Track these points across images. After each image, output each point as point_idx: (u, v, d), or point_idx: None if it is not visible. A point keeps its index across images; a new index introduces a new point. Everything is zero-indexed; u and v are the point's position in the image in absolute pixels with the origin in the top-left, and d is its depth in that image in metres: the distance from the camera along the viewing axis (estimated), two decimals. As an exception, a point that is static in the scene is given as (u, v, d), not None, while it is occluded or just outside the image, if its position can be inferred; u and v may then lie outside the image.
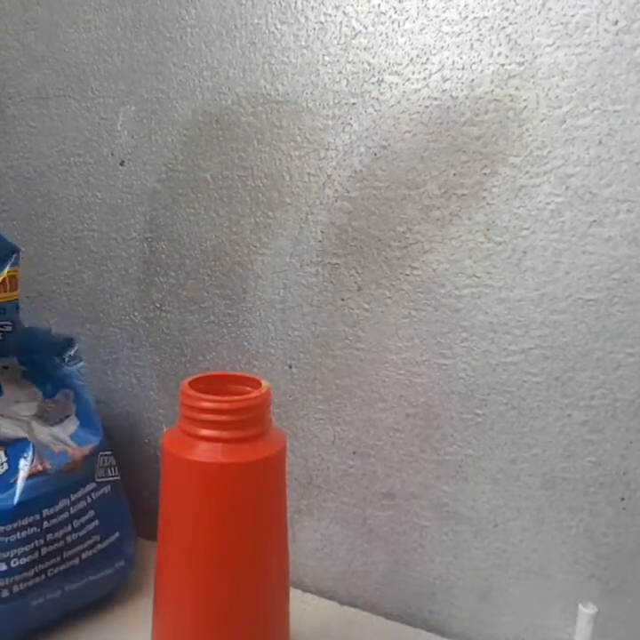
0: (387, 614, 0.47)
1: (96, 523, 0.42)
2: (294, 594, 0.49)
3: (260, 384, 0.34)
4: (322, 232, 0.47)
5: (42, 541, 0.39)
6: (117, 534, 0.43)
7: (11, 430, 0.39)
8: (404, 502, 0.47)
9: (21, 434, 0.40)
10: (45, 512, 0.39)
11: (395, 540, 0.47)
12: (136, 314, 0.54)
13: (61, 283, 0.57)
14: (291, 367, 0.49)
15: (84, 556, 0.41)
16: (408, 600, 0.47)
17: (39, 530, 0.39)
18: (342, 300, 0.47)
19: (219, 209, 0.50)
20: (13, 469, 0.39)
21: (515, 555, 0.44)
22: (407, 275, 0.45)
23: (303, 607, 0.48)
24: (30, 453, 0.39)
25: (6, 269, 0.42)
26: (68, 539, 0.40)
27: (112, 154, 0.54)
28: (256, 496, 0.33)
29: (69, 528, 0.40)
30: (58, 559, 0.40)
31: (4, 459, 0.39)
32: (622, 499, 0.41)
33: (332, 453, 0.48)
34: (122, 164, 0.53)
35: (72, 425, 0.44)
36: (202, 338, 0.52)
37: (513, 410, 0.43)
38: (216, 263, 0.51)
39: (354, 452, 0.47)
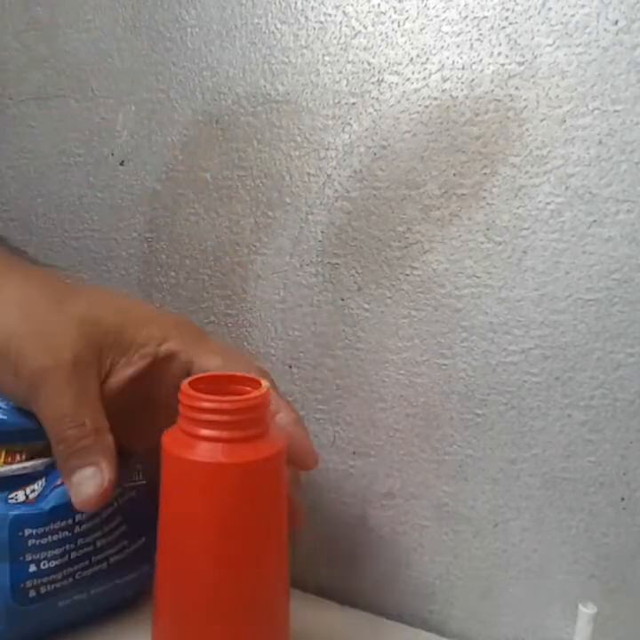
0: (387, 614, 0.47)
1: (124, 527, 0.42)
2: (294, 594, 0.49)
3: (260, 384, 0.34)
4: (322, 232, 0.47)
5: (72, 545, 0.39)
6: (144, 539, 0.43)
7: (45, 460, 0.39)
8: (403, 502, 0.47)
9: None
10: (78, 517, 0.39)
11: (395, 540, 0.47)
12: (136, 314, 0.54)
13: (61, 283, 0.57)
14: (291, 367, 0.49)
15: (112, 560, 0.42)
16: (408, 600, 0.47)
17: (71, 534, 0.39)
18: (342, 299, 0.47)
19: (219, 209, 0.50)
20: (50, 483, 0.39)
21: (515, 555, 0.44)
22: (407, 275, 0.45)
23: (303, 607, 0.48)
24: None
25: None
26: (98, 543, 0.41)
27: (112, 154, 0.54)
28: (257, 496, 0.33)
29: (99, 533, 0.41)
30: (87, 562, 0.40)
31: (43, 481, 0.39)
32: (622, 499, 0.41)
33: (332, 453, 0.48)
34: (122, 163, 0.53)
35: None
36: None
37: (513, 410, 0.43)
38: (216, 263, 0.51)
39: (354, 452, 0.48)
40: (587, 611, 0.39)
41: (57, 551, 0.38)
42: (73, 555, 0.39)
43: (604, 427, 0.41)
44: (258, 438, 0.33)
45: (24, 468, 0.39)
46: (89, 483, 0.33)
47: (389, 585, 0.48)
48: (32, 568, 0.38)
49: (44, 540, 0.38)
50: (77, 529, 0.39)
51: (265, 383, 0.34)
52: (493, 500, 0.44)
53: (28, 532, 0.37)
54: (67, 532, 0.39)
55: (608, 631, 0.41)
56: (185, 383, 0.33)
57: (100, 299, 0.38)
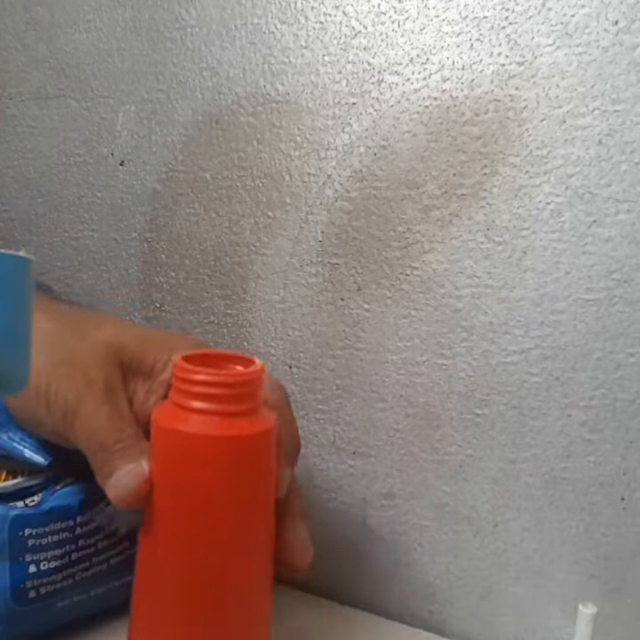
0: (387, 614, 0.47)
1: (125, 527, 0.42)
2: (294, 594, 0.49)
3: (254, 362, 0.34)
4: (322, 232, 0.47)
5: (73, 546, 0.39)
6: None
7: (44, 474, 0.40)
8: (403, 502, 0.47)
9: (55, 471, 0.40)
10: (79, 519, 0.39)
11: (394, 540, 0.47)
12: (136, 314, 0.54)
13: (61, 283, 0.57)
14: (291, 367, 0.49)
15: (112, 561, 0.42)
16: (408, 600, 0.47)
17: (71, 535, 0.39)
18: (342, 300, 0.47)
19: (218, 209, 0.50)
20: (50, 490, 0.39)
21: (515, 555, 0.44)
22: (407, 275, 0.45)
23: (303, 607, 0.48)
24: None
25: None
26: (100, 545, 0.41)
27: (112, 154, 0.54)
28: (248, 470, 0.33)
29: (101, 534, 0.41)
30: (87, 564, 0.40)
31: (44, 493, 0.39)
32: (622, 499, 0.41)
33: (332, 453, 0.48)
34: (122, 164, 0.53)
35: None
36: (202, 338, 0.52)
37: (513, 410, 0.43)
38: (216, 263, 0.51)
39: (354, 452, 0.47)
40: (587, 611, 0.39)
41: (57, 552, 0.38)
42: (73, 556, 0.39)
43: (604, 427, 0.41)
44: (250, 413, 0.32)
45: (25, 481, 0.39)
46: (128, 476, 0.33)
47: (389, 585, 0.48)
48: (32, 568, 0.38)
49: (44, 541, 0.38)
50: (78, 530, 0.39)
51: (259, 361, 0.34)
52: (493, 499, 0.44)
53: (28, 531, 0.37)
54: (67, 533, 0.39)
55: (608, 631, 0.41)
56: (179, 358, 0.33)
57: (122, 327, 0.39)
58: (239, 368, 0.34)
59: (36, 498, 0.39)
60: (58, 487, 0.39)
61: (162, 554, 0.33)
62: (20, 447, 0.39)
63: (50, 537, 0.38)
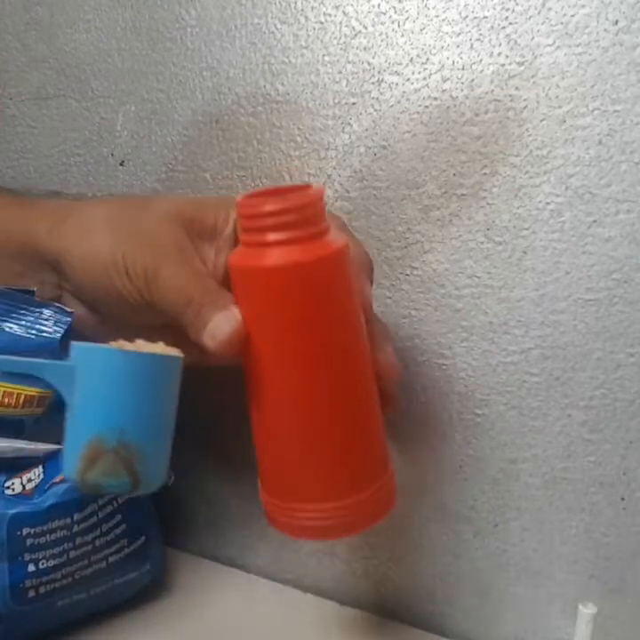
0: (387, 614, 0.47)
1: (123, 527, 0.43)
2: (294, 594, 0.49)
3: (311, 187, 0.33)
4: (322, 232, 0.47)
5: (71, 544, 0.40)
6: (144, 538, 0.44)
7: (46, 446, 0.40)
8: (403, 502, 0.46)
9: (55, 447, 0.40)
10: (76, 516, 0.40)
11: (394, 541, 0.47)
12: (136, 314, 0.54)
13: (61, 283, 0.57)
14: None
15: (111, 559, 0.42)
16: (408, 600, 0.47)
17: (69, 533, 0.40)
18: (342, 299, 0.47)
19: (219, 209, 0.50)
20: (48, 477, 0.40)
21: (515, 555, 0.44)
22: (407, 275, 0.45)
23: (303, 607, 0.48)
24: None
25: None
26: (97, 542, 0.41)
27: (112, 154, 0.54)
28: (335, 289, 0.33)
29: (98, 532, 0.41)
30: (85, 562, 0.41)
31: (41, 470, 0.40)
32: (622, 499, 0.41)
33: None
34: (122, 163, 0.53)
35: None
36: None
37: (513, 410, 0.43)
38: (216, 263, 0.51)
39: (354, 452, 0.48)
40: (587, 611, 0.39)
41: (55, 550, 0.38)
42: (71, 554, 0.39)
43: (604, 427, 0.41)
44: (322, 235, 0.32)
45: (22, 449, 0.39)
46: (223, 321, 0.33)
47: (389, 585, 0.48)
48: (31, 568, 0.38)
49: (42, 540, 0.38)
50: (76, 528, 0.39)
51: (315, 184, 0.34)
52: (493, 499, 0.44)
53: (26, 531, 0.37)
54: (65, 531, 0.39)
55: (608, 631, 0.41)
56: (241, 197, 0.33)
57: (176, 198, 0.41)
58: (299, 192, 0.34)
59: (32, 476, 0.39)
60: (55, 480, 0.39)
61: (271, 389, 0.34)
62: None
63: (48, 535, 0.38)
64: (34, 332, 0.39)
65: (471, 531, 0.45)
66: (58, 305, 0.39)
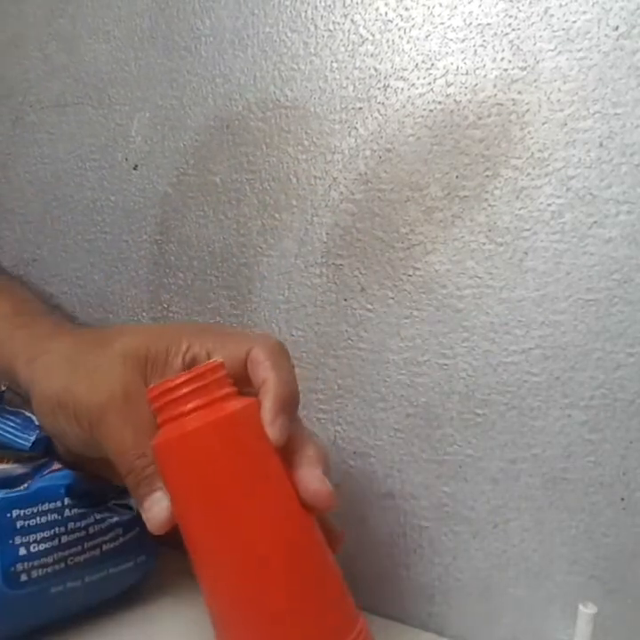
0: (386, 615, 0.47)
1: (117, 516, 0.43)
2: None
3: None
4: (326, 234, 0.47)
5: (62, 529, 0.40)
6: (138, 529, 0.44)
7: (34, 462, 0.42)
8: (403, 502, 0.46)
9: (43, 460, 0.42)
10: (67, 501, 0.40)
11: (394, 541, 0.47)
12: (144, 314, 0.55)
13: (73, 284, 0.58)
14: (292, 367, 0.49)
15: (105, 547, 0.42)
16: (408, 601, 0.47)
17: (60, 517, 0.40)
18: (345, 300, 0.47)
19: (227, 211, 0.51)
20: (37, 479, 0.41)
21: (514, 555, 0.43)
22: (410, 275, 0.45)
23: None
24: (53, 464, 0.41)
25: None
26: (90, 529, 0.41)
27: (126, 159, 0.55)
28: (244, 444, 0.33)
29: (91, 519, 0.41)
30: (79, 548, 0.41)
31: (31, 481, 0.41)
32: (622, 499, 0.40)
33: (333, 453, 0.48)
34: (135, 168, 0.55)
35: None
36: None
37: (513, 410, 0.43)
38: (223, 265, 0.52)
39: (354, 452, 0.48)
40: (587, 611, 0.38)
41: (46, 534, 0.39)
42: (63, 539, 0.39)
43: (604, 427, 0.41)
44: (228, 398, 0.33)
45: (12, 469, 0.40)
46: (159, 506, 0.35)
47: (389, 585, 0.47)
48: (22, 551, 0.38)
49: (32, 522, 0.38)
50: (67, 512, 0.40)
51: (216, 359, 0.35)
52: (493, 500, 0.44)
53: (15, 513, 0.38)
54: (56, 515, 0.39)
55: (608, 631, 0.40)
56: (148, 389, 0.34)
57: (139, 332, 0.41)
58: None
59: (22, 488, 0.39)
60: (45, 473, 0.40)
61: (207, 551, 0.34)
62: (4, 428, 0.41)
63: (38, 518, 0.39)
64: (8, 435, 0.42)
65: (471, 531, 0.45)
66: (28, 414, 0.43)
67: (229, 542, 0.32)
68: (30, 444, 0.41)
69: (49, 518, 0.39)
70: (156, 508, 0.35)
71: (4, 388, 0.44)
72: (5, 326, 0.46)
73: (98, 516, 0.41)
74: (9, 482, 0.40)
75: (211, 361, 0.35)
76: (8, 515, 0.38)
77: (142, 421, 0.36)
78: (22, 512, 0.38)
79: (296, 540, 0.33)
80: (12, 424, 0.43)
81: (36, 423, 0.42)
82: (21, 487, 0.40)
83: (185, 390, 0.33)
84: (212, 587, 0.34)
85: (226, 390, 0.34)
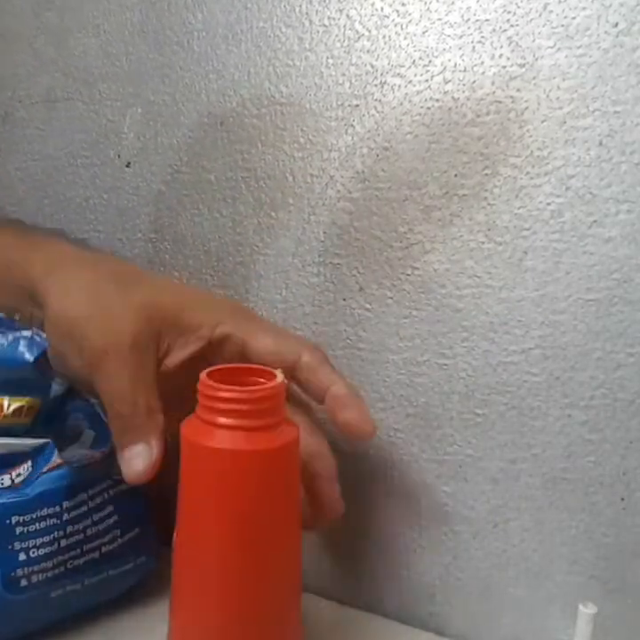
0: (387, 614, 0.47)
1: (115, 517, 0.43)
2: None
3: (276, 376, 0.35)
4: (324, 232, 0.47)
5: (61, 533, 0.40)
6: (137, 530, 0.44)
7: (33, 440, 0.41)
8: (403, 502, 0.47)
9: (43, 441, 0.41)
10: (65, 504, 0.40)
11: (394, 541, 0.47)
12: (140, 314, 0.55)
13: (67, 283, 0.58)
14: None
15: (104, 549, 0.42)
16: (408, 600, 0.47)
17: (59, 521, 0.40)
18: (344, 299, 0.47)
19: (222, 210, 0.51)
20: (37, 469, 0.40)
21: (514, 555, 0.44)
22: (408, 275, 0.45)
23: (303, 607, 0.48)
24: (53, 454, 0.41)
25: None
26: (89, 531, 0.41)
27: (119, 156, 0.54)
28: (272, 483, 0.33)
29: (89, 521, 0.41)
30: (78, 551, 0.41)
31: (30, 464, 0.40)
32: (622, 499, 0.41)
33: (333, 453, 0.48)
34: (128, 165, 0.54)
35: (88, 439, 0.45)
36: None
37: (513, 410, 0.43)
38: (219, 263, 0.51)
39: (354, 452, 0.48)
40: (587, 611, 0.39)
41: (46, 539, 0.39)
42: (62, 543, 0.39)
43: (604, 427, 0.41)
44: (273, 428, 0.33)
45: (11, 444, 0.39)
46: (139, 458, 0.35)
47: (389, 585, 0.48)
48: (22, 556, 0.38)
49: (32, 528, 0.38)
50: (66, 516, 0.40)
51: (280, 375, 0.35)
52: (493, 500, 0.44)
53: (15, 519, 0.38)
54: (55, 519, 0.39)
55: (608, 631, 0.41)
56: (203, 374, 0.34)
57: (161, 285, 0.41)
58: (262, 380, 0.35)
59: (22, 471, 0.39)
60: (44, 470, 0.39)
61: (195, 565, 0.34)
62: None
63: (37, 523, 0.39)
64: (11, 348, 0.42)
65: (471, 531, 0.45)
66: (37, 331, 0.42)
67: (219, 559, 0.33)
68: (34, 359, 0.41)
69: (48, 523, 0.39)
70: (136, 461, 0.35)
71: (17, 318, 0.43)
72: (21, 245, 0.45)
73: (96, 518, 0.41)
74: (7, 460, 0.39)
75: (278, 382, 0.34)
76: (7, 521, 0.38)
77: (142, 374, 0.36)
78: (21, 518, 0.38)
79: (278, 596, 0.35)
80: (25, 334, 0.42)
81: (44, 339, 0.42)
82: (20, 472, 0.39)
83: (245, 407, 0.33)
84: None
85: (281, 416, 0.34)
